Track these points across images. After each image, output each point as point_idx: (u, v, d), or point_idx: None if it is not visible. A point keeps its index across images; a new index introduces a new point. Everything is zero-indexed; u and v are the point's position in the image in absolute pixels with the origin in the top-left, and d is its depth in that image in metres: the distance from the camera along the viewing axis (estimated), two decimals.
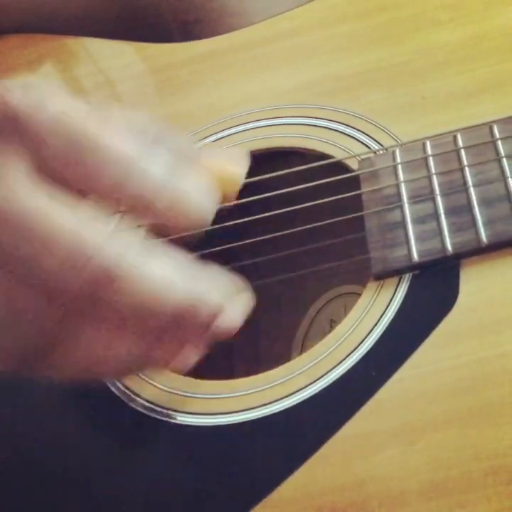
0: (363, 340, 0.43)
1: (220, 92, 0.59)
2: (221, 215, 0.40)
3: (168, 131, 0.39)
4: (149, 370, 0.39)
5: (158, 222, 0.37)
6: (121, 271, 0.34)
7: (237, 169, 0.40)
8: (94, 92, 0.63)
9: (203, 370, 0.47)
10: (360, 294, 0.46)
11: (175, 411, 0.44)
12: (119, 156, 0.35)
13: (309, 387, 0.42)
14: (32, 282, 0.35)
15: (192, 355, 0.39)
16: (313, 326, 0.60)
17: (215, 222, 0.49)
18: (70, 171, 0.35)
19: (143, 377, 0.46)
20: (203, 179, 0.38)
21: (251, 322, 0.61)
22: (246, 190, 0.52)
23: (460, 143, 0.47)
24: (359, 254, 0.47)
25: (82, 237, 0.34)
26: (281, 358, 0.58)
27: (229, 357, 0.61)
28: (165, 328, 0.36)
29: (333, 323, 0.59)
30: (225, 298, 0.37)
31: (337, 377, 0.42)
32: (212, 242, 0.49)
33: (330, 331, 0.45)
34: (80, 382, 0.39)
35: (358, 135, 0.52)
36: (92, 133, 0.36)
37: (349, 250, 0.49)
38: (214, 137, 0.56)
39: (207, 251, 0.46)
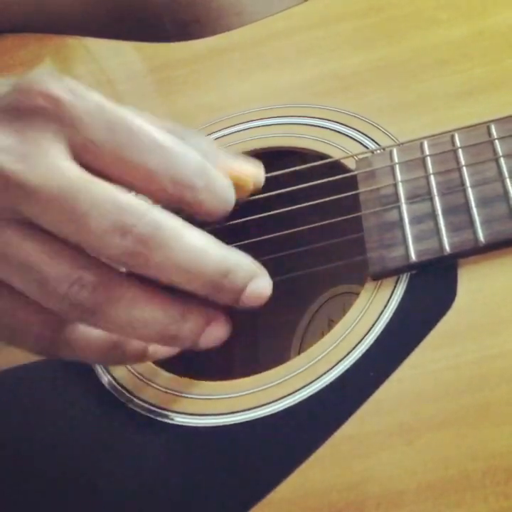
0: (360, 341, 0.43)
1: (217, 91, 0.59)
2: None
3: (193, 133, 0.42)
4: (182, 345, 0.41)
5: (190, 204, 0.39)
6: (167, 231, 0.37)
7: (253, 170, 0.44)
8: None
9: (201, 370, 0.47)
10: (358, 294, 0.46)
11: (173, 411, 0.44)
12: (158, 141, 0.38)
13: (307, 387, 0.42)
14: (78, 245, 0.37)
15: (218, 333, 0.40)
16: (312, 325, 0.60)
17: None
18: (109, 156, 0.37)
19: (141, 377, 0.46)
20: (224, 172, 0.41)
21: (249, 321, 0.62)
22: None
23: (458, 143, 0.47)
24: (357, 254, 0.47)
25: (125, 205, 0.36)
26: (279, 357, 0.58)
27: (227, 356, 0.61)
28: (203, 292, 0.38)
29: (331, 323, 0.59)
30: (255, 269, 0.40)
31: (335, 377, 0.42)
32: None
33: (328, 331, 0.45)
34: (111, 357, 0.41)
35: (355, 134, 0.52)
36: (131, 120, 0.38)
37: (347, 250, 0.49)
38: (212, 137, 0.56)
39: None
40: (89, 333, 0.40)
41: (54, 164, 0.36)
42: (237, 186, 0.41)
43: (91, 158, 0.37)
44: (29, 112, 0.37)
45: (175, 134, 0.40)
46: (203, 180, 0.39)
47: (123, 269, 0.39)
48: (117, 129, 0.37)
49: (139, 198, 0.37)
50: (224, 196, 0.40)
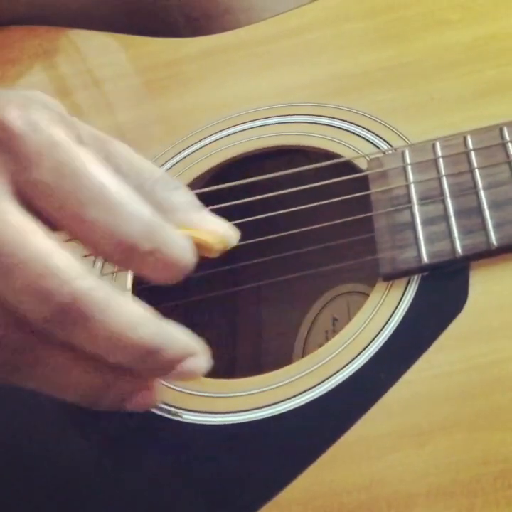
0: (371, 342, 0.43)
1: (226, 89, 0.59)
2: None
3: (167, 182, 0.39)
4: (106, 407, 0.38)
5: (134, 266, 0.36)
6: (91, 304, 0.34)
7: (223, 232, 0.40)
8: (96, 87, 0.63)
9: None
10: (362, 292, 0.46)
11: (181, 409, 0.44)
12: (106, 194, 0.35)
13: (317, 387, 0.42)
14: None
15: (147, 399, 0.38)
16: (316, 324, 0.60)
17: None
18: (50, 200, 0.34)
19: None
20: (187, 234, 0.37)
21: (252, 319, 0.61)
22: (252, 188, 0.52)
23: (470, 145, 0.47)
24: (367, 254, 0.47)
25: (56, 264, 0.33)
26: (282, 355, 0.58)
27: (230, 353, 0.60)
28: (128, 365, 0.36)
29: (335, 322, 0.59)
30: (192, 347, 0.37)
31: (345, 378, 0.42)
32: None
33: (333, 330, 0.45)
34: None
35: (366, 134, 0.51)
36: (82, 165, 0.35)
37: (356, 250, 0.49)
38: (221, 134, 0.56)
39: None
40: None
41: None
42: (201, 248, 0.38)
43: (34, 198, 0.34)
44: None
45: (143, 185, 0.37)
46: (151, 242, 0.35)
47: None
48: (65, 172, 0.34)
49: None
50: (176, 261, 0.36)
